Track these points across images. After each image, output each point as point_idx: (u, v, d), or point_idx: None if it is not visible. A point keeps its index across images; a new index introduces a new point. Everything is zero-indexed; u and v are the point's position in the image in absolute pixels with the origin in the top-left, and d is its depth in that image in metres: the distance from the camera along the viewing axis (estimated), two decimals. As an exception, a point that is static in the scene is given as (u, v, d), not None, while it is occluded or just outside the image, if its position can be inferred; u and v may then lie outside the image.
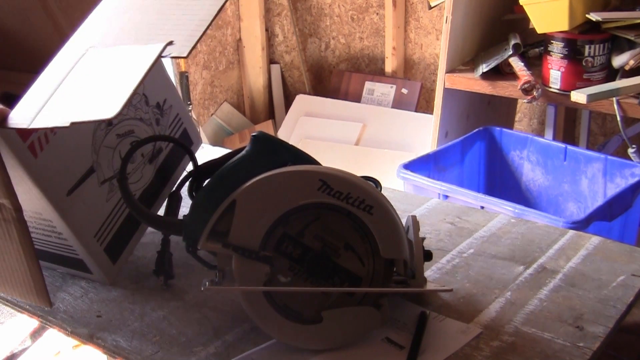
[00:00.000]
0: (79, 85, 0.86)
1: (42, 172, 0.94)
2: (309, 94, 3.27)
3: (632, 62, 1.82)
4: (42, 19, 1.04)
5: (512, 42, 2.02)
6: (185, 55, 0.83)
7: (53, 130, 0.95)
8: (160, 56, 0.84)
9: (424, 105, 3.00)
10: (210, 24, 0.88)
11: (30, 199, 0.95)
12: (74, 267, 1.04)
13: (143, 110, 1.10)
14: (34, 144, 0.93)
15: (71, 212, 0.97)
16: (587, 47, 1.84)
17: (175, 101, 1.18)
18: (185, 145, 1.12)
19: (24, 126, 0.82)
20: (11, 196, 0.86)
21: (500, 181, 2.08)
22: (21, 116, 0.84)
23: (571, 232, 1.12)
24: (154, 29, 0.90)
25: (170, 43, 0.85)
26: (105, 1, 0.98)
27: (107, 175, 1.02)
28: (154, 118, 1.13)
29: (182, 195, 1.09)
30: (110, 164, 1.03)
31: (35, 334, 2.14)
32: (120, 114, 0.75)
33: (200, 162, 1.09)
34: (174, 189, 1.11)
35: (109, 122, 1.03)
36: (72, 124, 0.77)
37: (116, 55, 0.89)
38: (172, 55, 0.84)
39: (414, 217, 0.94)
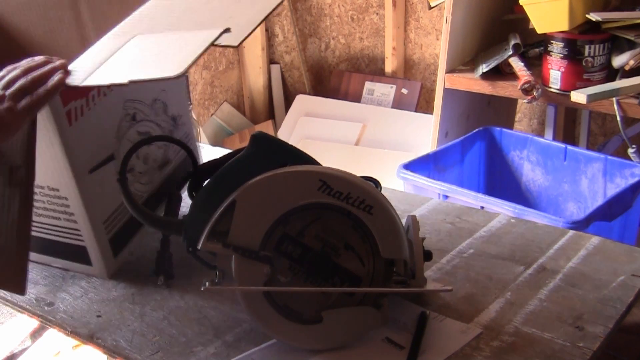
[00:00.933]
0: (135, 53, 0.87)
1: (72, 141, 0.95)
2: (309, 94, 3.27)
3: (632, 62, 1.81)
4: (72, 31, 1.06)
5: (512, 42, 2.02)
6: (235, 45, 0.84)
7: (88, 104, 0.96)
8: (216, 40, 0.84)
9: (424, 105, 3.00)
10: (265, 18, 0.90)
11: (53, 168, 0.96)
12: (73, 259, 1.04)
13: (161, 117, 1.13)
14: (71, 112, 0.95)
15: (88, 191, 0.99)
16: (587, 47, 1.84)
17: (187, 120, 1.20)
18: (185, 144, 1.12)
19: (77, 83, 0.83)
20: (29, 164, 0.87)
21: (500, 181, 2.08)
22: (74, 76, 0.85)
23: (571, 232, 1.12)
24: (209, 18, 0.92)
25: (227, 30, 0.86)
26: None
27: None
28: (168, 128, 1.15)
29: (182, 195, 1.09)
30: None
31: (35, 334, 2.14)
32: (184, 73, 0.76)
33: (200, 162, 1.09)
34: (173, 189, 1.11)
35: (133, 117, 1.05)
36: (131, 82, 0.78)
37: (170, 36, 0.91)
38: (223, 44, 0.85)
39: (414, 217, 0.94)
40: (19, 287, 0.92)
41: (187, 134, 1.21)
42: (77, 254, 1.03)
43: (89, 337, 0.93)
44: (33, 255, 1.07)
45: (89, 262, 1.03)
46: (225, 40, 0.86)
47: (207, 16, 0.96)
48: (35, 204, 1.00)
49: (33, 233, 1.02)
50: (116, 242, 1.05)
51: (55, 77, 0.85)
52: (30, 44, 1.02)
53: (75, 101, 0.95)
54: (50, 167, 0.96)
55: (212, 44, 0.84)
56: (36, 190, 0.99)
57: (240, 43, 0.85)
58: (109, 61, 0.88)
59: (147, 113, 1.10)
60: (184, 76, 1.10)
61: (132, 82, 0.79)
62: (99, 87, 0.97)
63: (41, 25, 1.06)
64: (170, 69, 0.78)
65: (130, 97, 1.06)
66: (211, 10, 0.97)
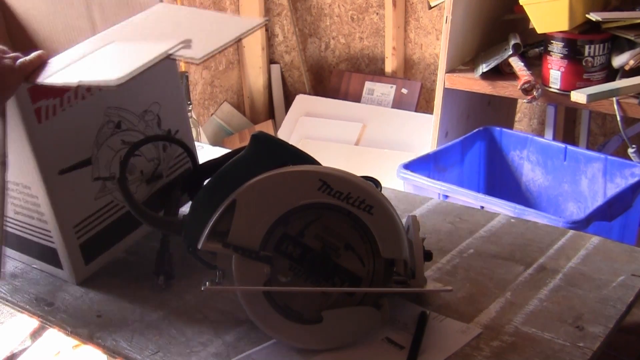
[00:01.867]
0: (99, 58, 0.91)
1: (41, 140, 0.95)
2: (309, 94, 3.27)
3: (632, 62, 1.81)
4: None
5: (512, 42, 2.02)
6: (197, 59, 0.87)
7: (62, 105, 0.97)
8: (170, 52, 0.88)
9: (424, 105, 3.00)
10: (234, 40, 0.94)
11: (23, 167, 0.96)
12: (46, 260, 1.04)
13: (154, 130, 1.11)
14: (41, 110, 0.95)
15: (58, 193, 0.98)
16: (587, 47, 1.84)
17: (186, 136, 1.17)
18: (185, 144, 1.12)
19: (40, 80, 0.88)
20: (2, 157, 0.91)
21: (500, 181, 2.08)
22: (42, 75, 0.90)
23: (571, 232, 1.12)
24: (181, 34, 0.94)
25: (187, 43, 0.88)
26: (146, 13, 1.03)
27: (102, 174, 1.03)
28: (162, 143, 1.13)
29: (182, 195, 1.09)
30: (108, 165, 1.04)
31: (35, 334, 2.14)
32: (123, 84, 0.80)
33: (200, 162, 1.09)
34: (174, 189, 1.11)
35: (117, 125, 1.05)
36: (80, 82, 0.84)
37: (137, 46, 0.94)
38: (186, 56, 0.87)
39: (414, 217, 0.94)
40: None
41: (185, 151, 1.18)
42: (49, 255, 1.03)
43: (89, 337, 0.93)
44: (15, 254, 1.09)
45: (59, 265, 1.03)
46: (187, 53, 0.88)
47: (183, 29, 0.98)
48: (13, 201, 1.01)
49: (13, 230, 1.04)
50: (88, 250, 1.03)
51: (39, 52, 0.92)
52: (56, 51, 1.04)
53: (47, 99, 0.95)
54: (22, 164, 0.96)
55: (169, 56, 0.88)
56: (13, 187, 1.00)
57: (203, 59, 0.87)
58: (76, 63, 0.91)
59: (135, 123, 1.08)
60: (180, 89, 1.14)
61: (80, 83, 0.85)
62: (76, 90, 0.98)
63: (64, 33, 1.09)
64: (114, 76, 0.82)
65: (114, 104, 1.04)
66: (190, 27, 0.99)
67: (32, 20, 1.24)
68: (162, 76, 1.12)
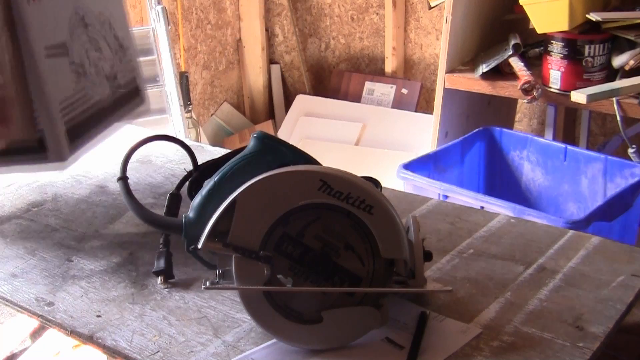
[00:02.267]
0: None
1: (31, 20, 1.01)
2: (309, 94, 3.27)
3: (632, 62, 1.82)
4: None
5: (512, 42, 2.02)
6: None
7: None
8: None
9: (424, 105, 3.00)
10: None
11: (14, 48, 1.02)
12: (32, 151, 1.07)
13: (108, 32, 1.20)
14: None
15: (45, 73, 1.03)
16: (587, 47, 1.84)
17: (131, 46, 1.26)
18: (185, 144, 1.12)
19: None
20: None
21: (500, 181, 2.08)
22: None
23: (571, 232, 1.12)
24: None
25: None
26: None
27: (76, 60, 1.11)
28: (114, 47, 1.21)
29: (182, 195, 1.09)
30: (80, 53, 1.12)
31: (35, 334, 2.14)
32: None
33: (200, 162, 1.09)
34: (174, 189, 1.11)
35: (82, 17, 1.14)
36: None
37: None
38: None
39: (414, 217, 0.94)
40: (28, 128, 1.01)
41: (131, 61, 1.26)
42: (35, 148, 1.06)
43: (89, 337, 0.93)
44: None
45: (44, 149, 1.06)
46: None
47: None
48: None
49: None
50: (73, 132, 1.08)
51: None
52: None
53: None
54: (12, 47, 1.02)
55: None
56: None
57: None
58: None
59: (94, 22, 1.17)
60: (123, 5, 1.25)
61: None
62: None
63: None
64: None
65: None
66: None
67: None
68: None
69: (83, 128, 1.11)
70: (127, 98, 1.25)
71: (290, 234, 0.85)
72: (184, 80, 2.79)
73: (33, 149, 1.06)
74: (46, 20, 1.05)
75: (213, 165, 1.02)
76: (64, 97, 1.06)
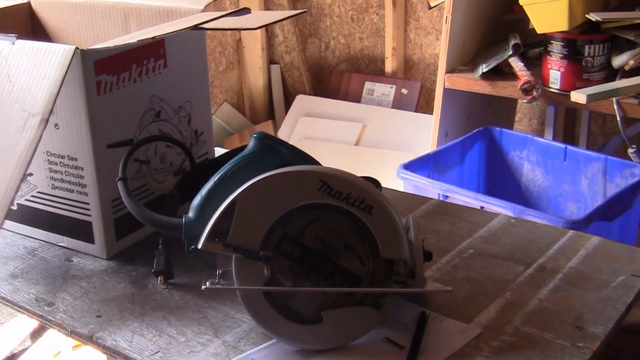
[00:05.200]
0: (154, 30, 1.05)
1: (97, 112, 1.01)
2: (309, 94, 3.27)
3: (631, 62, 1.82)
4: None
5: (512, 42, 2.02)
6: (254, 27, 1.03)
7: (118, 83, 1.03)
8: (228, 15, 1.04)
9: (424, 105, 3.00)
10: (280, 19, 1.09)
11: (75, 138, 1.02)
12: (76, 235, 1.08)
13: (184, 126, 1.17)
14: (101, 83, 1.01)
15: (104, 165, 1.03)
16: (587, 47, 1.84)
17: (209, 139, 1.23)
18: (183, 144, 1.12)
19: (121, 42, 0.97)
20: (46, 110, 0.92)
21: (500, 181, 2.08)
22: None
23: (571, 232, 1.12)
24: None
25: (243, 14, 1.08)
26: None
27: (140, 157, 1.09)
28: (189, 140, 1.19)
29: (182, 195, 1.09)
30: (145, 149, 1.10)
31: (35, 334, 2.14)
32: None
33: (199, 162, 1.09)
34: (172, 189, 1.11)
35: (157, 114, 1.11)
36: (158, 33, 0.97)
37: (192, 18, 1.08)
38: (243, 27, 1.04)
39: (414, 217, 0.94)
40: None
41: (207, 153, 1.24)
42: (81, 230, 1.07)
43: (89, 337, 0.93)
44: (41, 234, 1.12)
45: (91, 239, 1.07)
46: (243, 23, 1.01)
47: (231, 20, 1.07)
48: (54, 175, 1.06)
49: (44, 207, 1.09)
50: (121, 225, 1.08)
51: None
52: None
53: (107, 75, 1.01)
54: (73, 135, 1.02)
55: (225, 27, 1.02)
56: (56, 160, 1.05)
57: (259, 27, 1.00)
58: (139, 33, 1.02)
59: (172, 116, 1.14)
60: (208, 93, 1.22)
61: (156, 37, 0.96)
62: (129, 72, 1.05)
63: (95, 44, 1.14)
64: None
65: (158, 93, 1.11)
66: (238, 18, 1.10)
67: (61, 31, 1.30)
68: (196, 77, 1.19)
69: (136, 220, 1.09)
70: None
71: (290, 234, 0.85)
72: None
73: (80, 232, 1.08)
74: (113, 114, 1.04)
75: (212, 164, 1.02)
76: (118, 194, 1.03)
